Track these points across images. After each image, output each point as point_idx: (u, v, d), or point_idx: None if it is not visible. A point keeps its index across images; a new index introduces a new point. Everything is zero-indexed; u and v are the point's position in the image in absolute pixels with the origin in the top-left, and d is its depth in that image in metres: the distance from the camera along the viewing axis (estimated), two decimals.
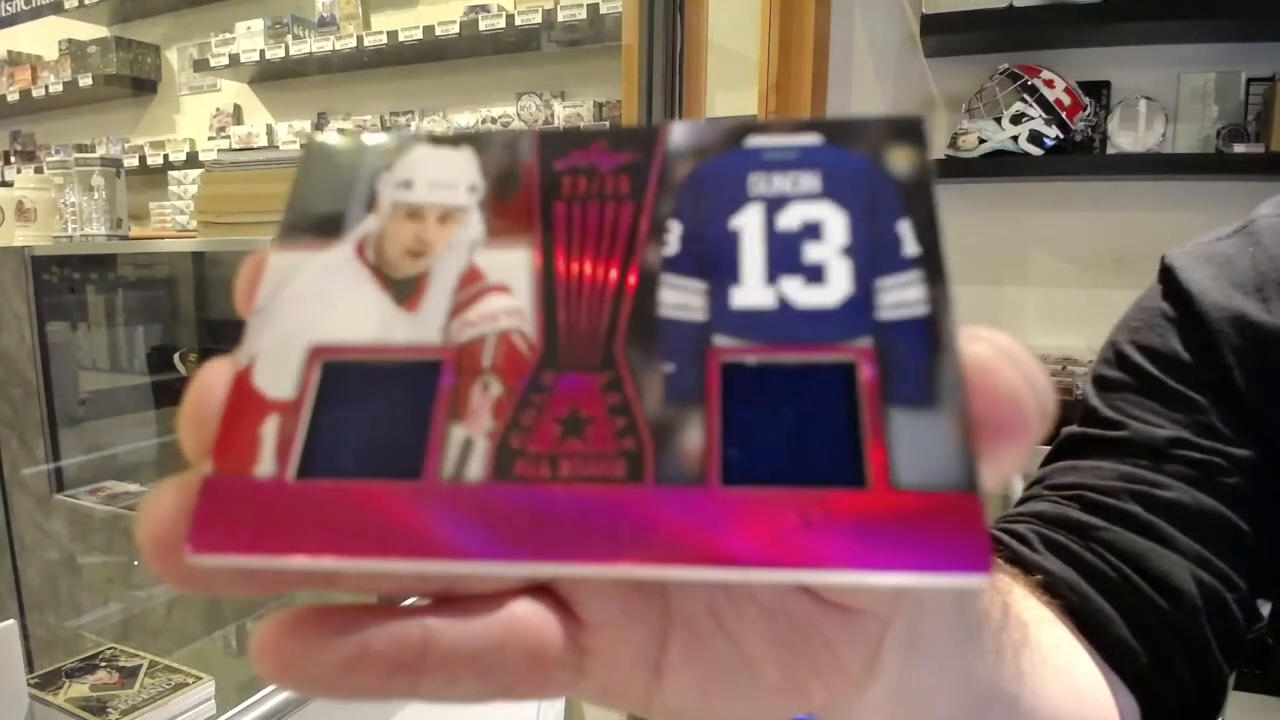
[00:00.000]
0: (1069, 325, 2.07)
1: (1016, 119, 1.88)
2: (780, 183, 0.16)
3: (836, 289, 0.15)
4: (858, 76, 2.20)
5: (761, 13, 1.94)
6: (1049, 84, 1.87)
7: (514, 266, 0.15)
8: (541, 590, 0.16)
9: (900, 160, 0.15)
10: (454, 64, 2.79)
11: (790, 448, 0.13)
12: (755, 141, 0.16)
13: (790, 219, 0.15)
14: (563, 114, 2.62)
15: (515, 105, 2.70)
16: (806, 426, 0.14)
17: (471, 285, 0.15)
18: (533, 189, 0.16)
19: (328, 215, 0.16)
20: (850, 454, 0.13)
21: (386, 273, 0.15)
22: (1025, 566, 0.39)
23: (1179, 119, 1.89)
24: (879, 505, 0.13)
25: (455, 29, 2.55)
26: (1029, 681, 0.26)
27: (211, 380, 0.15)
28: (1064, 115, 1.86)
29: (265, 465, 0.14)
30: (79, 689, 0.79)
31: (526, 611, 0.15)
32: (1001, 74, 1.92)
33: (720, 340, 0.14)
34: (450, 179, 0.16)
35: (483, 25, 2.51)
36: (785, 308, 0.15)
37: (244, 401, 0.14)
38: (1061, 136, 1.86)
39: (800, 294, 0.15)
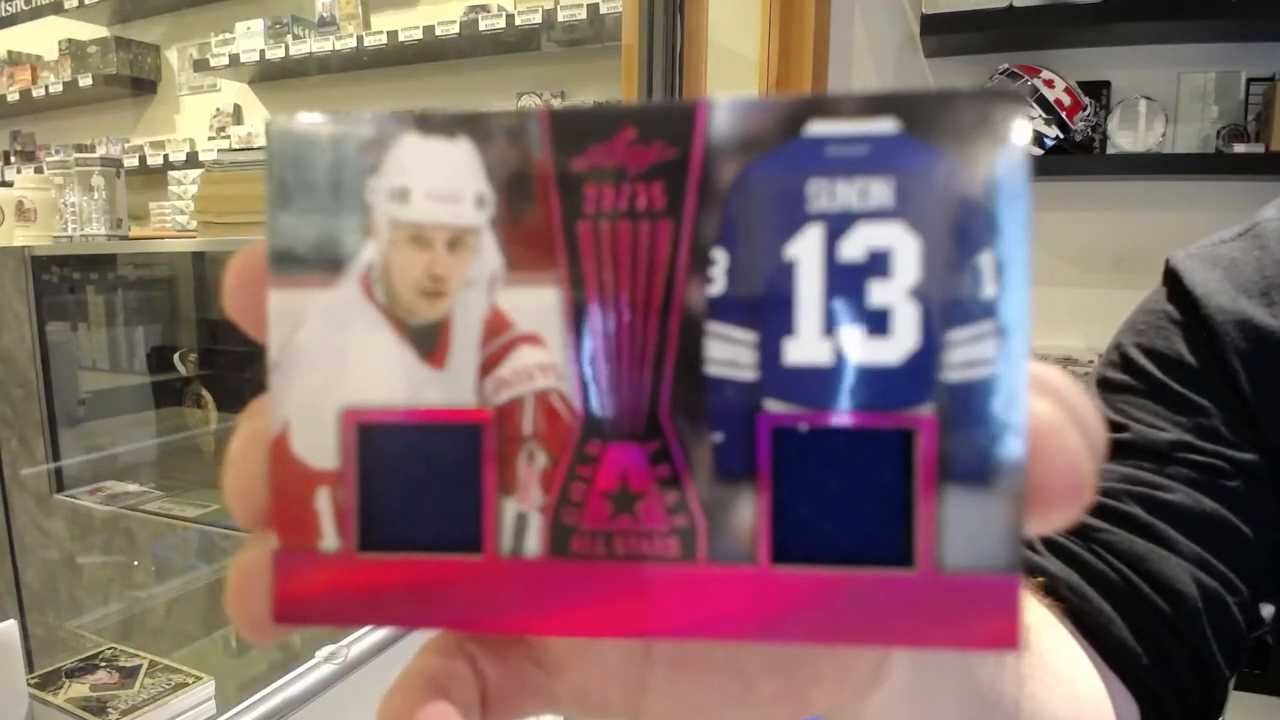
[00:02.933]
0: (1069, 325, 2.07)
1: None
2: (845, 193, 0.13)
3: (901, 343, 0.13)
4: (858, 77, 2.20)
5: (761, 13, 1.94)
6: (1049, 84, 1.87)
7: (542, 311, 0.14)
8: None
9: (992, 163, 0.13)
10: (454, 64, 2.79)
11: (840, 524, 0.13)
12: (817, 129, 0.13)
13: (854, 247, 0.13)
14: None
15: (515, 105, 2.70)
16: (858, 501, 0.13)
17: (499, 335, 0.14)
18: (552, 203, 0.14)
19: (320, 241, 0.14)
20: (900, 533, 0.13)
21: (402, 317, 0.14)
22: (1027, 568, 0.39)
23: (1179, 119, 1.89)
24: (922, 587, 0.13)
25: (455, 29, 2.55)
26: (1029, 686, 0.27)
27: (247, 450, 0.15)
28: (1064, 115, 1.86)
29: (329, 540, 0.14)
30: (79, 689, 0.79)
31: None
32: (1001, 74, 1.92)
33: (771, 405, 0.13)
34: (453, 187, 0.14)
35: (483, 25, 2.51)
36: (843, 365, 0.13)
37: (289, 472, 0.14)
38: (1061, 136, 1.86)
39: (860, 348, 0.13)
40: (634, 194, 0.14)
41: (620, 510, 0.14)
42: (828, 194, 0.13)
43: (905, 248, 0.13)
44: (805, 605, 0.13)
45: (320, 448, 0.14)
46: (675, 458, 0.14)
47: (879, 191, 0.13)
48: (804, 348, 0.13)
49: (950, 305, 0.13)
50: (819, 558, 0.13)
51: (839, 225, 0.13)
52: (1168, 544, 0.38)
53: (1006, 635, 0.13)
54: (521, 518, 0.14)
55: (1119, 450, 0.42)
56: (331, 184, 0.14)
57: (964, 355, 0.13)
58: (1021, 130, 0.13)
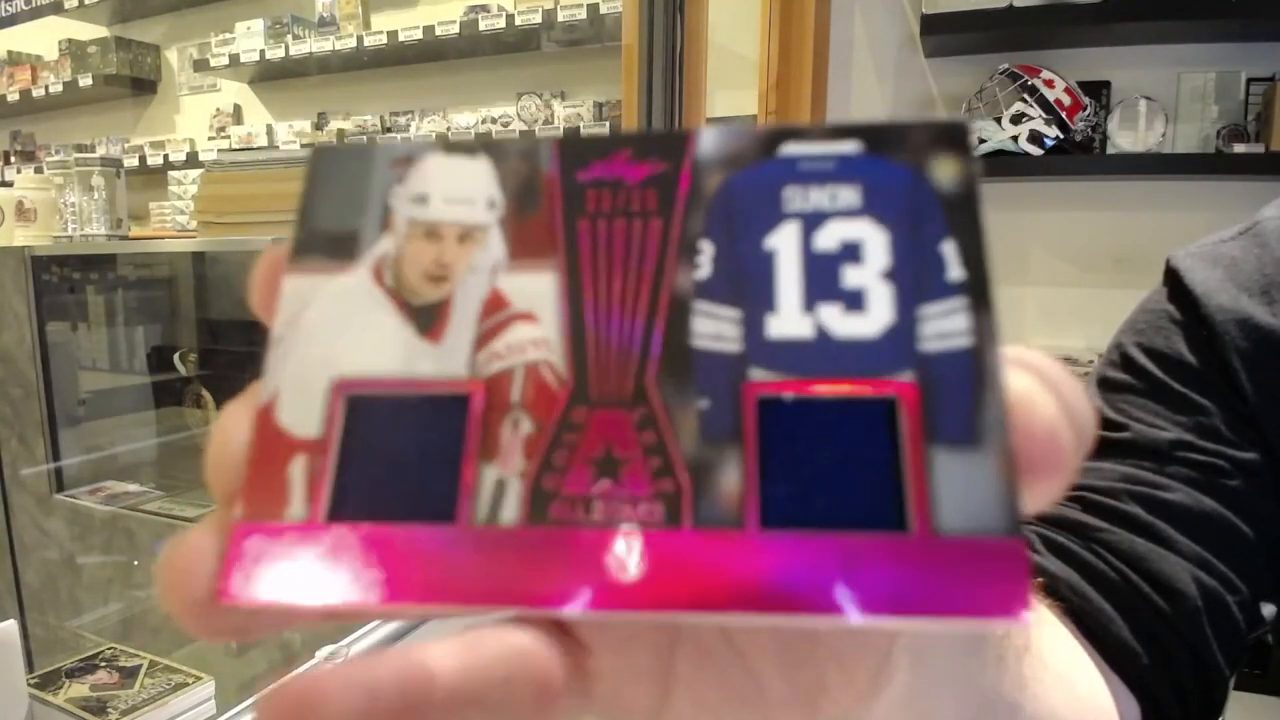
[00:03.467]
0: (1069, 325, 2.07)
1: (1016, 119, 1.89)
2: (817, 197, 0.14)
3: (877, 317, 0.14)
4: (858, 76, 2.20)
5: (761, 13, 1.94)
6: (1049, 84, 1.87)
7: (539, 292, 0.15)
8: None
9: (945, 172, 0.14)
10: (454, 64, 2.79)
11: (829, 489, 0.13)
12: (790, 150, 0.15)
13: (828, 239, 0.14)
14: (563, 114, 2.62)
15: (515, 105, 2.70)
16: (846, 466, 0.13)
17: (496, 313, 0.15)
18: (555, 204, 0.15)
19: (341, 234, 0.15)
20: (891, 496, 0.13)
21: (407, 299, 0.15)
22: None
23: (1179, 119, 1.89)
24: (921, 551, 0.12)
25: (455, 29, 2.55)
26: (1030, 688, 0.27)
27: (234, 421, 0.14)
28: (1064, 115, 1.86)
29: (296, 508, 0.14)
30: (79, 689, 0.80)
31: (530, 644, 0.14)
32: (1001, 74, 1.92)
33: (756, 374, 0.14)
34: (467, 193, 0.15)
35: (483, 25, 2.51)
36: (823, 338, 0.14)
37: (270, 441, 0.14)
38: (1061, 136, 1.86)
39: (839, 323, 0.14)
40: (629, 198, 0.15)
41: (603, 475, 0.13)
42: (801, 198, 0.15)
43: (874, 239, 0.14)
44: (798, 572, 0.12)
45: (306, 417, 0.14)
46: (661, 423, 0.14)
47: (847, 195, 0.14)
48: (785, 323, 0.14)
49: (921, 285, 0.14)
50: (809, 523, 0.13)
51: (813, 221, 0.14)
52: (1167, 543, 0.38)
53: (1016, 600, 0.12)
54: (500, 484, 0.13)
55: (1119, 450, 0.42)
56: (359, 192, 0.15)
57: (938, 328, 0.14)
58: (970, 141, 0.14)
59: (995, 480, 0.13)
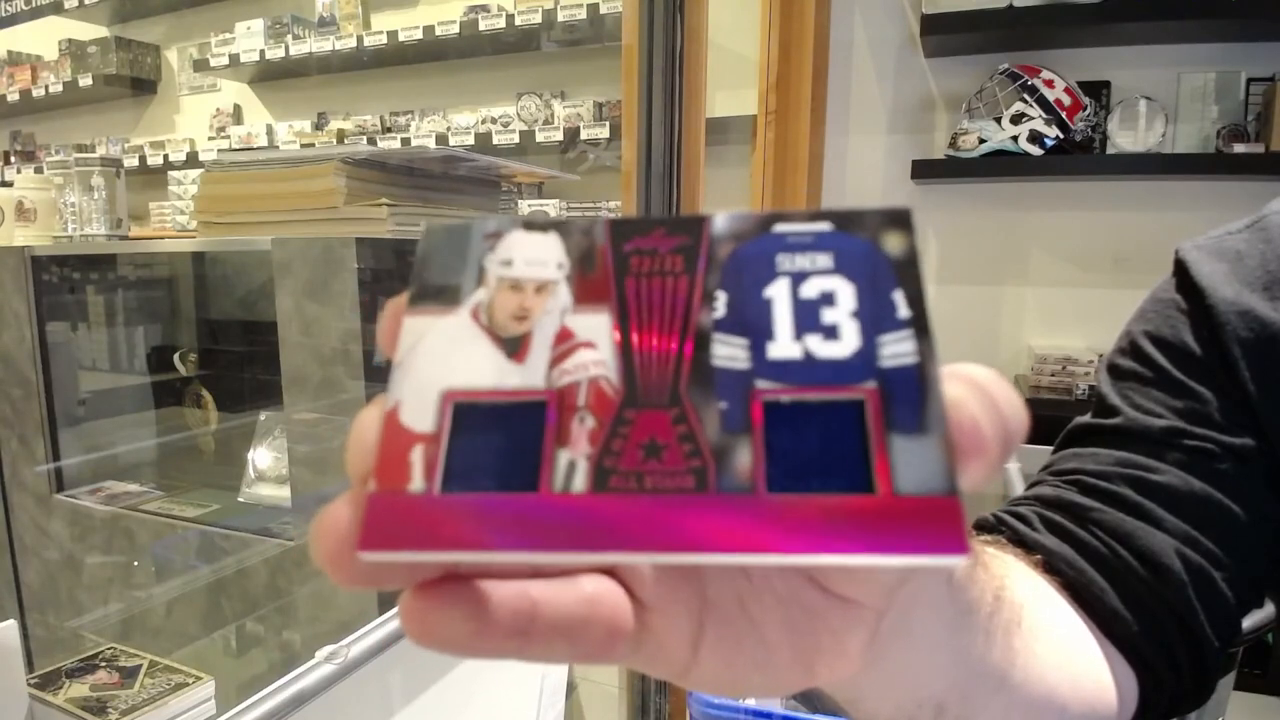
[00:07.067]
0: (1069, 325, 2.07)
1: (1016, 119, 1.89)
2: (801, 261, 0.19)
3: (848, 344, 0.18)
4: (858, 76, 2.20)
5: (761, 13, 1.94)
6: (1049, 84, 1.87)
7: (597, 327, 0.19)
8: (607, 574, 0.19)
9: (893, 243, 0.19)
10: (454, 64, 2.79)
11: (817, 464, 0.17)
12: (781, 228, 0.20)
13: (810, 290, 0.19)
14: (562, 114, 2.63)
15: (515, 105, 2.70)
16: (829, 448, 0.17)
17: (565, 342, 0.19)
18: (608, 267, 0.20)
19: (446, 287, 0.20)
20: (862, 469, 0.17)
21: (497, 332, 0.19)
22: (1027, 546, 0.42)
23: (1179, 119, 1.89)
24: (885, 507, 0.16)
25: (455, 29, 2.56)
26: (1020, 659, 0.30)
27: (366, 421, 0.18)
28: (1064, 115, 1.86)
29: (417, 483, 0.17)
30: (79, 689, 0.80)
31: (606, 593, 0.19)
32: (1001, 74, 1.92)
33: (761, 384, 0.18)
34: (542, 258, 0.20)
35: (483, 25, 2.51)
36: (809, 358, 0.18)
37: (395, 435, 0.18)
38: (1061, 136, 1.87)
39: (820, 348, 0.18)
40: (663, 263, 0.20)
41: (649, 456, 0.17)
42: (789, 261, 0.19)
43: (844, 290, 0.19)
44: (793, 524, 0.16)
45: (422, 417, 0.18)
46: (691, 419, 0.18)
47: (823, 260, 0.19)
48: (781, 347, 0.18)
49: (878, 321, 0.18)
50: (801, 488, 0.17)
51: (799, 278, 0.19)
52: (1155, 521, 0.40)
53: (955, 542, 0.16)
54: (572, 463, 0.18)
55: (1117, 436, 0.44)
56: (460, 257, 0.20)
57: (892, 350, 0.18)
58: (912, 221, 0.19)
59: (937, 457, 0.17)
